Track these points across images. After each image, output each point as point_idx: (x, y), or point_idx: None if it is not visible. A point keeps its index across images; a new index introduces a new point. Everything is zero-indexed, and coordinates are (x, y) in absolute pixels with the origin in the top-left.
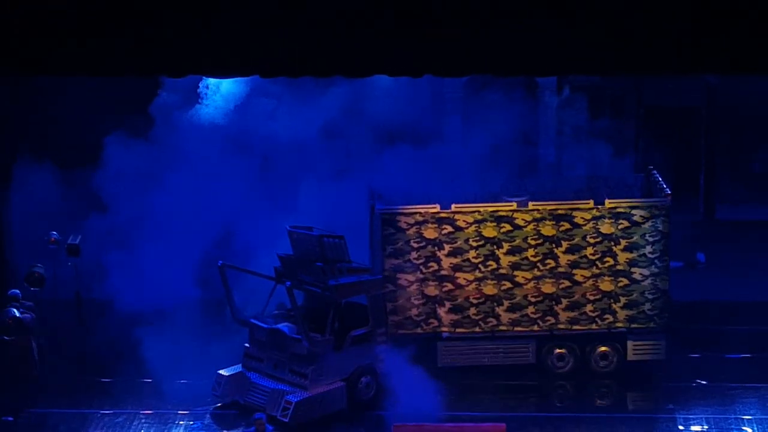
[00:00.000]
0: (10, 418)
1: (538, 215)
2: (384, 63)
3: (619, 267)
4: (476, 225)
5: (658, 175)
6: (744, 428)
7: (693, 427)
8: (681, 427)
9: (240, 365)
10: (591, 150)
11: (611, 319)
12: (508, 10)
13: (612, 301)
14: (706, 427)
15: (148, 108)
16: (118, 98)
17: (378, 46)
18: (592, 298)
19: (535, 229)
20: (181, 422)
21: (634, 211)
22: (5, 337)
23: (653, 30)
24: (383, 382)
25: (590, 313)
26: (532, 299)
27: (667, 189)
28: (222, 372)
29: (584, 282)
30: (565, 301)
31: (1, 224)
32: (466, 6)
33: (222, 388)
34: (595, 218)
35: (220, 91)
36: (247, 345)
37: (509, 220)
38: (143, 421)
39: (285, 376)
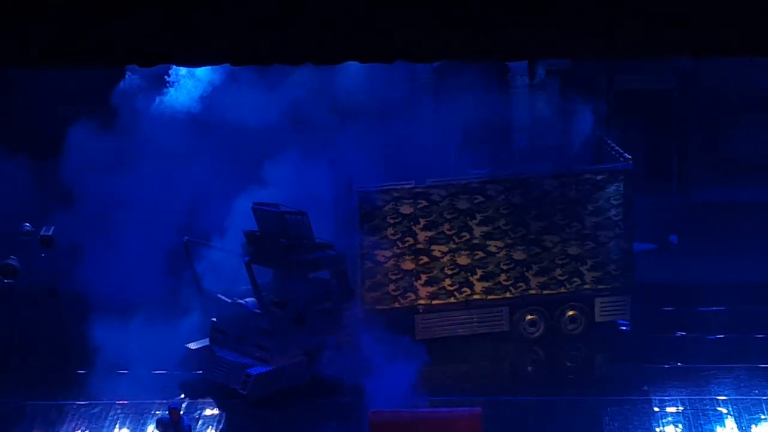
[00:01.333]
0: None
1: (509, 185)
2: (354, 50)
3: (585, 231)
4: (450, 198)
5: (611, 143)
6: (719, 409)
7: (668, 409)
8: (656, 409)
9: (208, 339)
10: (562, 132)
11: (579, 281)
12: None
13: (579, 264)
14: (681, 408)
15: (114, 95)
16: (85, 86)
17: (348, 33)
18: (560, 262)
19: (505, 199)
20: (157, 412)
21: (598, 177)
22: None
23: (623, 12)
24: (349, 358)
25: (559, 277)
26: (504, 267)
27: (626, 154)
28: (190, 345)
29: (553, 247)
30: (535, 267)
31: None
32: None
33: (189, 362)
34: (561, 185)
35: (192, 76)
36: (214, 319)
37: (481, 191)
38: (119, 411)
39: (248, 349)
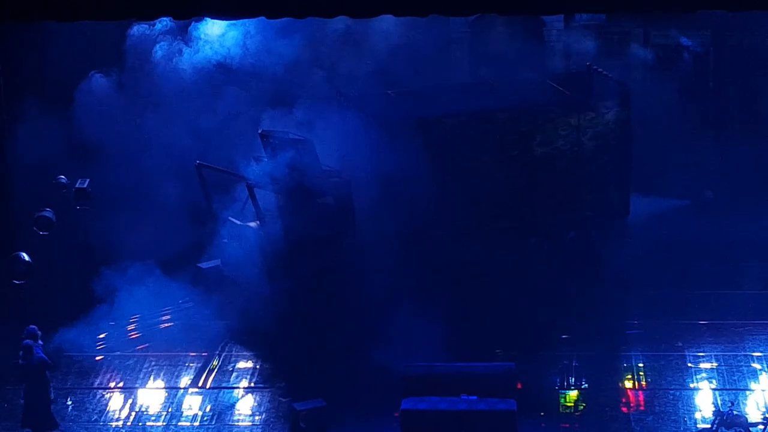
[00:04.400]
0: None
1: (515, 114)
2: (390, 3)
3: (586, 155)
4: (460, 127)
5: (603, 71)
6: (753, 365)
7: (702, 365)
8: (690, 365)
9: (219, 260)
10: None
11: (580, 204)
12: None
13: (579, 187)
14: (715, 364)
15: (132, 43)
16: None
17: None
18: (562, 185)
19: (513, 127)
20: (191, 364)
21: (597, 103)
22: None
23: None
24: (352, 283)
25: (561, 200)
26: (511, 192)
27: (621, 81)
28: (201, 265)
29: (555, 171)
30: (540, 191)
31: (7, 169)
32: None
33: (200, 281)
34: (564, 112)
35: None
36: (225, 240)
37: (490, 119)
38: (153, 363)
39: (252, 271)
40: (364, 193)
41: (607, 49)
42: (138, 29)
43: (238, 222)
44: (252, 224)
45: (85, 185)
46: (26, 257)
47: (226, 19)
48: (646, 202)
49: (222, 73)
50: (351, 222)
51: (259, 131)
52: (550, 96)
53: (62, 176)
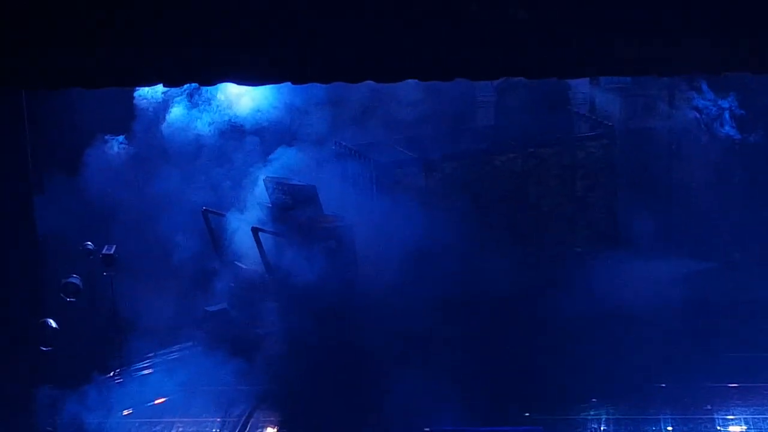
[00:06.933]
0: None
1: (512, 155)
2: (415, 68)
3: (577, 193)
4: (459, 169)
5: (585, 113)
6: None
7: (731, 428)
8: (719, 428)
9: (225, 303)
10: None
11: (570, 241)
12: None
13: (571, 224)
14: (744, 427)
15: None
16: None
17: (408, 51)
18: (554, 223)
19: (509, 168)
20: (216, 430)
21: (586, 142)
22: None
23: (681, 30)
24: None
25: (552, 238)
26: (507, 231)
27: (607, 122)
28: (208, 309)
29: (549, 211)
30: (532, 229)
31: (35, 236)
32: (498, 10)
33: (207, 324)
34: (557, 153)
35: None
36: (232, 284)
37: (489, 161)
38: (180, 429)
39: (258, 313)
40: (365, 236)
41: (634, 110)
42: (150, 91)
43: (244, 266)
44: (257, 268)
45: (112, 251)
46: (53, 324)
47: (252, 85)
48: (674, 264)
49: (234, 129)
50: (354, 265)
51: (263, 178)
52: (542, 138)
53: (89, 242)
